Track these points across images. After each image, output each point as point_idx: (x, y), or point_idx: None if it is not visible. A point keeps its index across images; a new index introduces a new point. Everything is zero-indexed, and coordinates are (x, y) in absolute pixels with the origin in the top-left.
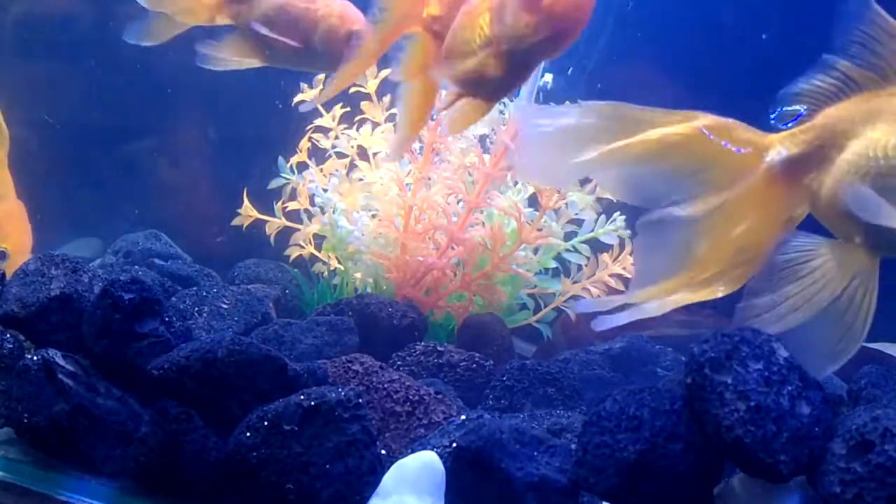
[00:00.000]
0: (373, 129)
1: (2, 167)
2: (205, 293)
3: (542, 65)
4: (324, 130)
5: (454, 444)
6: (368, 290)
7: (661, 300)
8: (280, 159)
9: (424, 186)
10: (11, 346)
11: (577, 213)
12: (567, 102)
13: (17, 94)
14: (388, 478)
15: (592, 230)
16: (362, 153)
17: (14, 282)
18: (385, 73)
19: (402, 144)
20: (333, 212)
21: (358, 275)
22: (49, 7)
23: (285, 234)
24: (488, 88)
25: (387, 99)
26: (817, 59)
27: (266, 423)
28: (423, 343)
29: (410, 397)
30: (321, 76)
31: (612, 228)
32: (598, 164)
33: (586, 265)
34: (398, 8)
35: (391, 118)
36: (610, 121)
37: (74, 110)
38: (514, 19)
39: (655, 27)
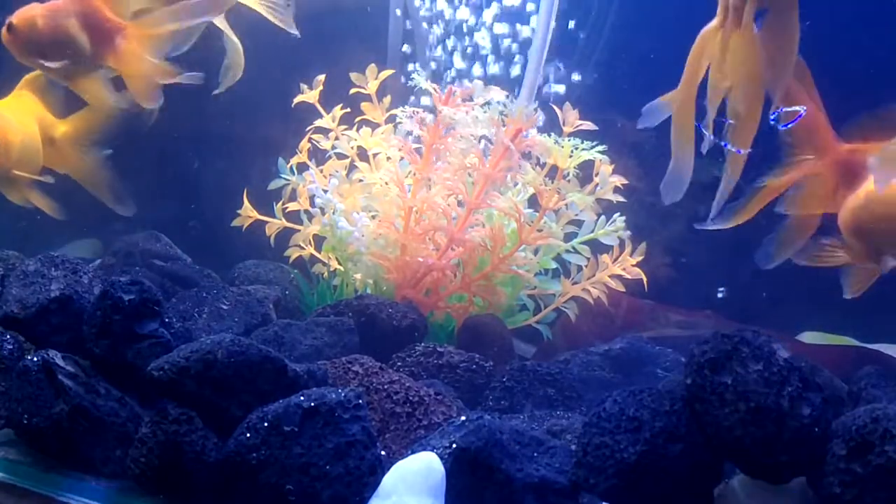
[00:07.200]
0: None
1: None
2: (205, 294)
3: (543, 66)
4: (324, 131)
5: (454, 445)
6: (368, 290)
7: None
8: (280, 160)
9: (424, 187)
10: (11, 347)
11: (576, 214)
12: (567, 103)
13: None
14: (388, 479)
15: (592, 231)
16: (362, 154)
17: (14, 283)
18: (385, 73)
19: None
20: (333, 213)
21: (358, 276)
22: None
23: (285, 235)
24: None
25: (387, 100)
26: None
27: (266, 424)
28: (422, 344)
29: (410, 398)
30: (321, 76)
31: (612, 229)
32: None
33: (586, 266)
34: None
35: (391, 119)
36: None
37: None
38: None
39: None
